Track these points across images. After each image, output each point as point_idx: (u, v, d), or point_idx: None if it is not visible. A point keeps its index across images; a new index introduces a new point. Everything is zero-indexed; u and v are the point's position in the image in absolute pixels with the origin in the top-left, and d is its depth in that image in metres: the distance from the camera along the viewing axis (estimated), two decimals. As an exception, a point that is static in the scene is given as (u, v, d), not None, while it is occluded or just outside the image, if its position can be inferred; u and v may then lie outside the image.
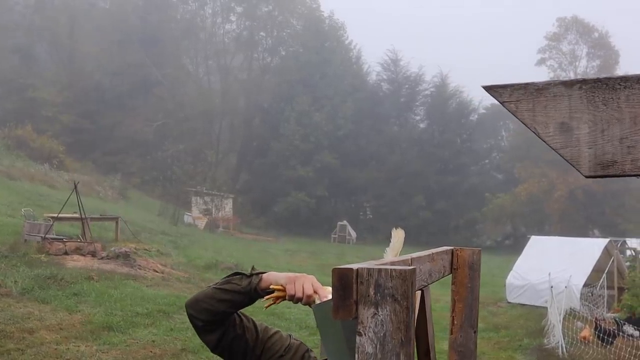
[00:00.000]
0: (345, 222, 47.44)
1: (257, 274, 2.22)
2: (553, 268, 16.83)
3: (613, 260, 18.11)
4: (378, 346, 1.32)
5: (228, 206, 45.10)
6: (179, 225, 35.42)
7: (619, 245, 21.50)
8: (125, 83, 55.50)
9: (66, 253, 15.97)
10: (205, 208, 42.79)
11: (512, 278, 19.39)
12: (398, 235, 2.17)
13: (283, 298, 2.14)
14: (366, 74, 65.04)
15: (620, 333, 12.94)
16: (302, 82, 55.89)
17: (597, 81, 1.14)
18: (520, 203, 51.97)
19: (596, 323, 13.34)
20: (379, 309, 1.32)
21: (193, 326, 2.36)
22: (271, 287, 2.16)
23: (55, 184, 34.79)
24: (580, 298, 16.47)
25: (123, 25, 55.85)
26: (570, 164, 1.17)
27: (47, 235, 16.50)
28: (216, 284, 2.27)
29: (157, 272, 16.69)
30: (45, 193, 29.65)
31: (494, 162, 64.55)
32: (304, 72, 56.31)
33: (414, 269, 1.34)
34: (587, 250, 18.73)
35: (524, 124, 1.19)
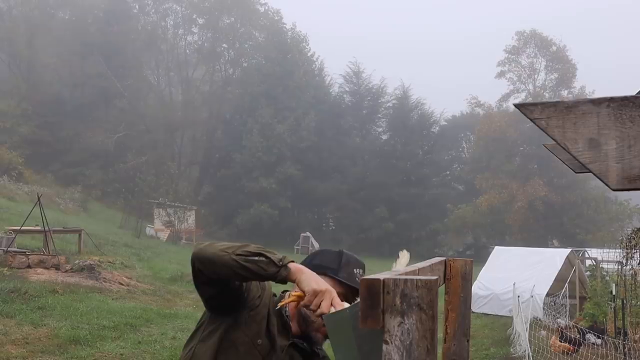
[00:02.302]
0: (308, 234, 47.40)
1: (286, 265, 2.16)
2: (516, 278, 17.07)
3: (575, 270, 18.40)
4: (405, 354, 1.35)
5: (191, 218, 44.82)
6: (141, 237, 35.09)
7: (580, 255, 21.85)
8: (86, 94, 55.00)
9: (29, 266, 15.74)
10: (168, 220, 42.44)
11: (476, 288, 19.55)
12: (404, 256, 2.19)
13: (297, 302, 2.16)
14: (329, 86, 65.29)
15: (584, 341, 13.15)
16: (265, 94, 55.85)
17: (624, 99, 1.20)
18: (481, 214, 52.48)
19: (561, 332, 13.55)
20: (405, 318, 1.35)
21: (193, 274, 2.33)
22: (293, 293, 2.17)
23: (14, 196, 34.29)
24: (543, 307, 16.70)
25: (83, 36, 55.28)
26: (599, 178, 1.23)
27: (9, 249, 16.24)
28: (237, 253, 2.16)
29: (122, 284, 16.54)
30: (5, 205, 29.19)
31: (455, 173, 65.10)
32: (266, 84, 56.30)
33: (437, 279, 1.39)
34: (550, 261, 19.00)
35: (554, 140, 1.24)
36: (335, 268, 2.51)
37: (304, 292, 2.12)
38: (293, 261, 2.20)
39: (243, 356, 2.40)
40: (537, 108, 1.23)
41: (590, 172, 1.23)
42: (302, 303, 2.14)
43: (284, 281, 2.19)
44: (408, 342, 1.33)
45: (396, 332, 1.33)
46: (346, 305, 2.09)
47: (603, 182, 1.23)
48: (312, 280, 2.14)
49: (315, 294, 2.10)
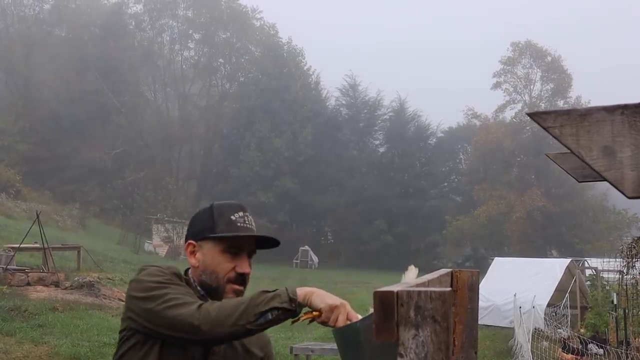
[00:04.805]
0: (307, 247, 47.37)
1: (298, 303, 2.06)
2: (517, 289, 17.02)
3: (575, 280, 18.37)
4: (419, 367, 1.34)
5: (189, 233, 44.71)
6: (140, 253, 35.03)
7: (580, 265, 21.82)
8: (83, 111, 54.93)
9: (29, 284, 15.68)
10: (167, 235, 42.37)
11: (476, 299, 19.46)
12: (412, 271, 2.17)
13: (314, 319, 2.12)
14: (325, 99, 65.27)
15: (586, 352, 13.12)
16: (262, 108, 55.89)
17: (638, 106, 1.19)
18: (480, 225, 52.35)
19: (564, 342, 13.51)
20: (420, 330, 1.33)
21: (176, 335, 2.16)
22: (306, 313, 2.11)
23: (12, 213, 34.23)
24: (545, 318, 16.67)
25: (80, 53, 55.36)
26: (614, 186, 1.22)
27: (8, 267, 16.19)
28: (250, 321, 2.03)
29: (122, 301, 16.45)
30: (3, 223, 29.13)
31: (453, 185, 65.04)
32: (263, 98, 56.33)
33: (452, 291, 1.38)
34: (550, 271, 18.97)
35: (568, 148, 1.23)
36: (211, 226, 2.37)
37: (319, 310, 2.07)
38: (295, 289, 2.11)
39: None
40: (550, 116, 1.22)
41: (599, 178, 1.23)
42: (319, 320, 2.10)
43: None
44: (423, 355, 1.31)
45: (411, 345, 1.32)
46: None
47: (618, 190, 1.22)
48: (325, 297, 2.09)
49: (332, 309, 2.05)
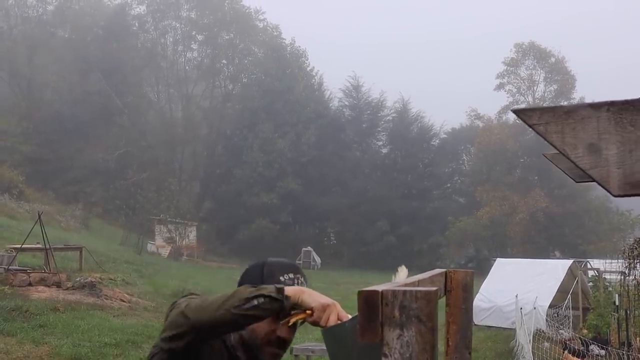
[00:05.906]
0: (309, 248, 47.34)
1: (286, 295, 2.02)
2: (519, 290, 16.98)
3: (577, 281, 18.33)
4: (404, 367, 1.32)
5: (192, 234, 44.76)
6: (142, 254, 35.02)
7: (582, 266, 21.78)
8: (86, 112, 54.94)
9: (30, 284, 15.69)
10: (169, 236, 42.38)
11: (478, 300, 19.44)
12: (402, 271, 2.14)
13: (305, 319, 2.09)
14: (328, 100, 65.14)
15: (588, 353, 13.09)
16: (265, 109, 55.88)
17: (624, 103, 1.17)
18: (483, 226, 52.29)
19: (565, 344, 13.47)
20: (404, 330, 1.32)
21: (178, 335, 2.11)
22: (296, 313, 2.07)
23: (15, 214, 34.26)
24: (546, 319, 16.63)
25: (83, 54, 55.39)
26: (600, 184, 1.20)
27: (10, 267, 16.20)
28: (235, 305, 1.99)
29: (123, 301, 16.49)
30: (6, 224, 29.14)
31: (456, 186, 64.97)
32: (266, 99, 56.32)
33: (437, 290, 1.36)
34: (552, 272, 18.94)
35: (553, 146, 1.22)
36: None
37: (311, 309, 2.04)
38: (284, 287, 2.08)
39: None
40: (536, 113, 1.20)
41: (590, 178, 1.21)
42: (309, 320, 2.07)
43: (285, 312, 2.09)
44: (408, 355, 1.29)
45: (395, 345, 1.30)
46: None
47: (604, 188, 1.20)
48: (317, 296, 2.06)
49: (324, 308, 2.02)
